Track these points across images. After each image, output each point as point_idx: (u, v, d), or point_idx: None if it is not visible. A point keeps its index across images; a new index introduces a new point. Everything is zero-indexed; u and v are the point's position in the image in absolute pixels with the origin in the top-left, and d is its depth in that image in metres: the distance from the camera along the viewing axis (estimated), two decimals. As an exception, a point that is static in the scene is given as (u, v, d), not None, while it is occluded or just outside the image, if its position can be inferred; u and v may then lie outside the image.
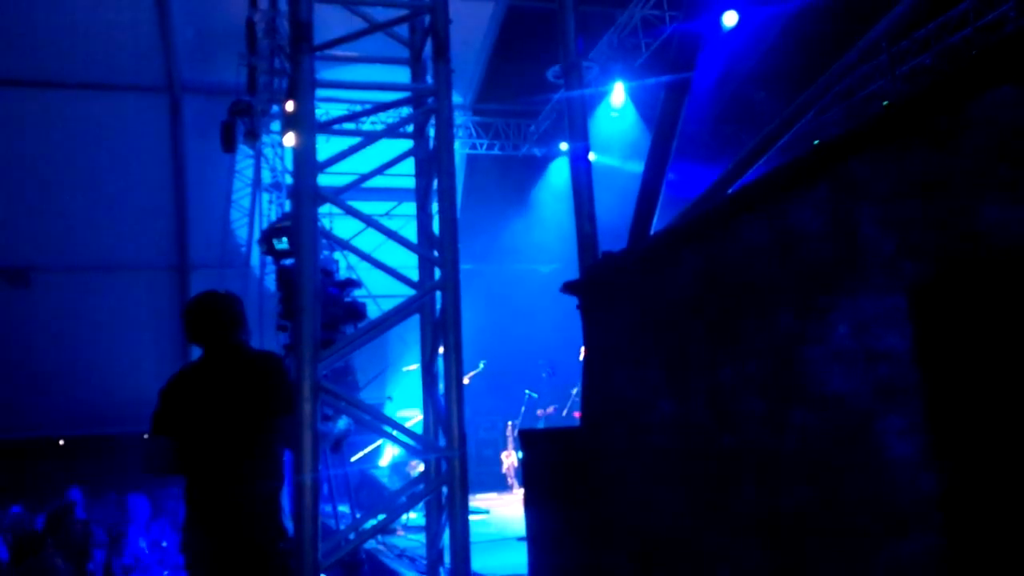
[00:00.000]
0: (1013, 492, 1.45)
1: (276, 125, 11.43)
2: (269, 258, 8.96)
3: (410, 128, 4.02)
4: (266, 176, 12.40)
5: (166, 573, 9.47)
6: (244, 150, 11.51)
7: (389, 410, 11.61)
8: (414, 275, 3.82)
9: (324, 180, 3.42)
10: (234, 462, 3.27)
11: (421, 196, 4.01)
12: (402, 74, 4.27)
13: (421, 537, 5.24)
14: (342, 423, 4.64)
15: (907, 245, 1.68)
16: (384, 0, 3.87)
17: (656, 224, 3.14)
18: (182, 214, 12.54)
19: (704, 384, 2.32)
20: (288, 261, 7.16)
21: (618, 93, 11.18)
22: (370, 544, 5.89)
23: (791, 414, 1.97)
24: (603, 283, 3.08)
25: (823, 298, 1.88)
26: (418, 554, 5.59)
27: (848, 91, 11.05)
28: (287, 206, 11.65)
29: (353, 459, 9.11)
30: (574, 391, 9.51)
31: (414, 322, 3.79)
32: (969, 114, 1.56)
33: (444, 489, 3.39)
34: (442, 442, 3.44)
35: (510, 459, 10.67)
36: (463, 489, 3.29)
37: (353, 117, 4.72)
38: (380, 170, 3.72)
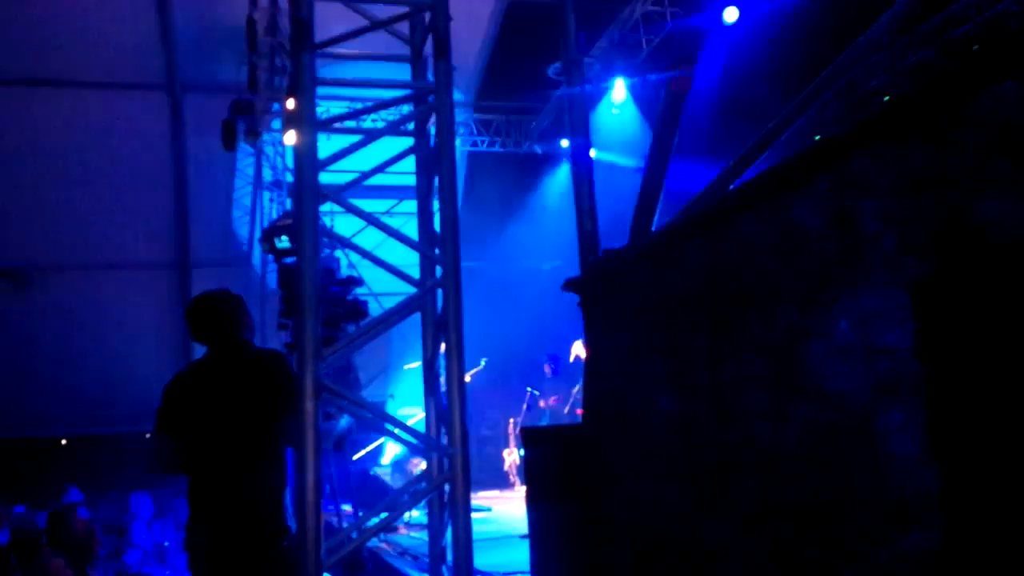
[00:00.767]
0: (1012, 488, 1.45)
1: (277, 123, 11.41)
2: (270, 256, 8.96)
3: (411, 126, 4.02)
4: (267, 174, 12.38)
5: (168, 572, 9.50)
6: (245, 148, 11.50)
7: (390, 408, 11.62)
8: (415, 273, 3.82)
9: (325, 178, 3.42)
10: (237, 461, 3.28)
11: (422, 194, 4.01)
12: (403, 71, 4.27)
13: (423, 535, 5.25)
14: (344, 421, 4.65)
15: (908, 241, 1.68)
16: (384, -3, 3.86)
17: (657, 221, 3.14)
18: (183, 212, 12.54)
19: (706, 380, 2.32)
20: (289, 260, 7.16)
21: (619, 90, 11.15)
22: (373, 542, 5.89)
23: (792, 409, 1.97)
24: (604, 280, 3.08)
25: (824, 294, 1.88)
26: (420, 552, 5.59)
27: (849, 86, 11.03)
28: (288, 204, 11.64)
29: (355, 457, 9.12)
30: (575, 389, 9.50)
31: (415, 320, 3.79)
32: (970, 110, 1.56)
33: (446, 487, 3.39)
34: (444, 440, 3.44)
35: (512, 457, 10.67)
36: (465, 487, 3.29)
37: (354, 115, 4.73)
38: (381, 168, 3.71)
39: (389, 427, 3.64)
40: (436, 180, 3.61)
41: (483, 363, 10.40)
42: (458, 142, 12.14)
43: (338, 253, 7.67)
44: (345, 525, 5.33)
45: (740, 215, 2.20)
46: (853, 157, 1.83)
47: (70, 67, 11.16)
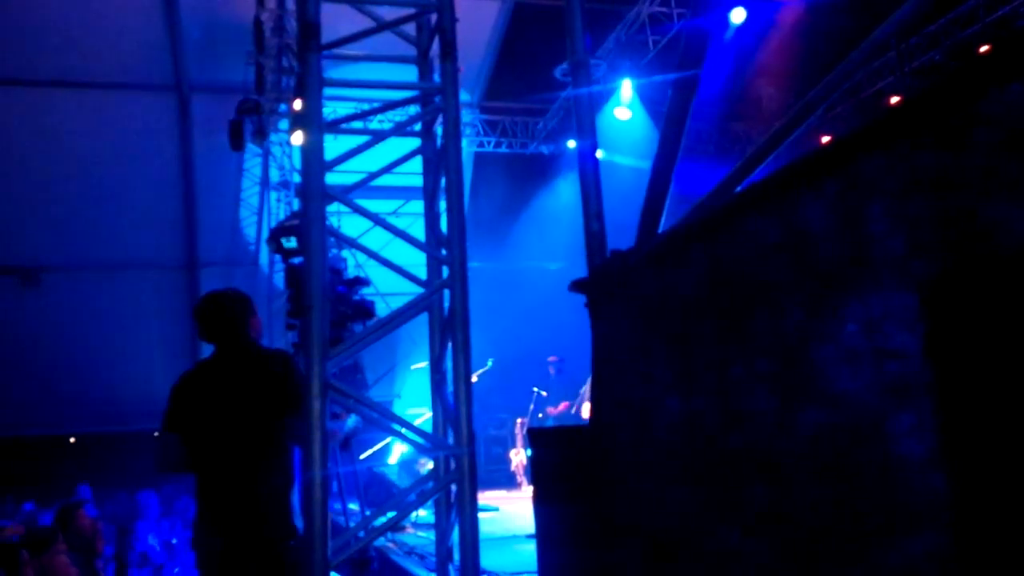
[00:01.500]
0: (1024, 491, 1.44)
1: (284, 124, 11.44)
2: (278, 256, 8.97)
3: (418, 126, 4.03)
4: (274, 175, 12.41)
5: (176, 570, 9.52)
6: (252, 149, 11.54)
7: (397, 408, 11.64)
8: (422, 273, 3.83)
9: (332, 178, 3.43)
10: (244, 460, 3.29)
11: (429, 194, 4.02)
12: (409, 73, 4.28)
13: (430, 535, 5.26)
14: (351, 421, 4.65)
15: (917, 243, 1.67)
16: (391, -1, 3.88)
17: (665, 222, 3.13)
18: (191, 213, 12.58)
19: (713, 382, 2.32)
20: (297, 260, 7.17)
21: (626, 90, 11.15)
22: (379, 541, 5.90)
23: (801, 413, 1.96)
24: (611, 281, 3.07)
25: (833, 296, 1.87)
26: (427, 551, 5.60)
27: (856, 87, 11.00)
28: (295, 204, 11.66)
29: (362, 457, 9.12)
30: (582, 389, 9.50)
31: (422, 320, 3.80)
32: (979, 111, 1.56)
33: (453, 487, 3.40)
34: (451, 440, 3.44)
35: (519, 457, 10.67)
36: (472, 487, 3.29)
37: (361, 116, 4.74)
38: (388, 168, 3.72)
39: (396, 427, 3.65)
40: (443, 180, 3.61)
41: (490, 363, 10.40)
42: (464, 143, 12.15)
43: (345, 253, 7.68)
44: (352, 524, 5.34)
45: (747, 217, 2.20)
46: (861, 158, 1.82)
47: (79, 68, 11.21)
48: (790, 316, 2.01)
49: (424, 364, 4.16)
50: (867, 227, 1.79)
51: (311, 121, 3.41)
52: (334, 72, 4.43)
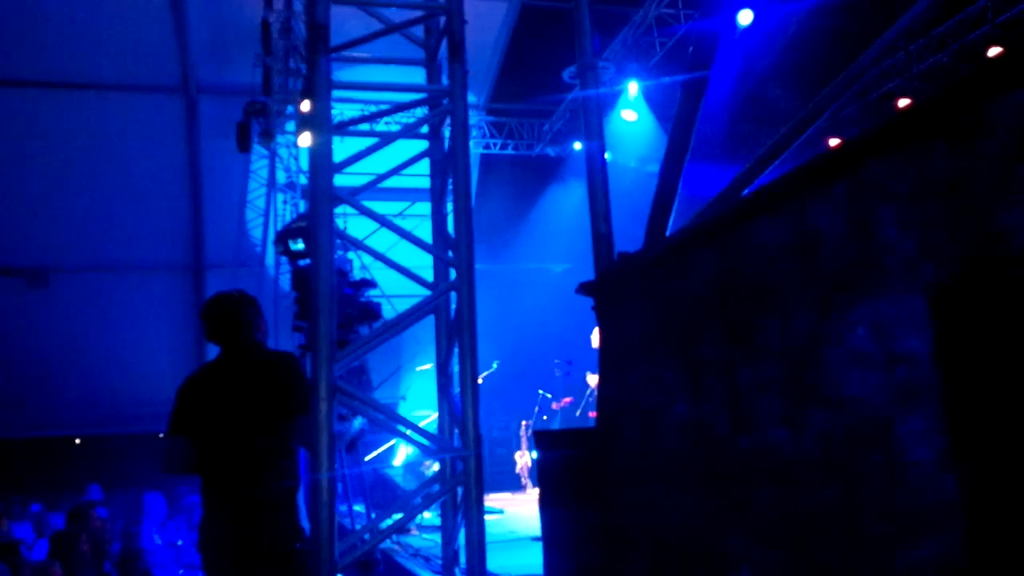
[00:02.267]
0: (1036, 496, 1.44)
1: (291, 125, 11.47)
2: (284, 258, 8.99)
3: (425, 129, 4.03)
4: (281, 176, 12.44)
5: (181, 572, 9.53)
6: (259, 150, 11.57)
7: (402, 410, 11.64)
8: (428, 274, 3.83)
9: (339, 180, 3.43)
10: (250, 462, 3.28)
11: (436, 196, 4.02)
12: (417, 75, 4.28)
13: (436, 537, 5.25)
14: (357, 423, 4.66)
15: (927, 246, 1.66)
16: (399, 1, 3.88)
17: (672, 224, 3.13)
18: (198, 214, 12.62)
19: (721, 386, 2.31)
20: (304, 262, 7.18)
21: (632, 91, 11.14)
22: (385, 543, 5.90)
23: (809, 416, 1.95)
24: (618, 284, 3.07)
25: (842, 300, 1.87)
26: (433, 554, 5.60)
27: (865, 89, 10.99)
28: (302, 206, 11.69)
29: (367, 459, 9.13)
30: (589, 391, 9.50)
31: (428, 322, 3.79)
32: (989, 115, 1.55)
33: (459, 489, 3.40)
34: (457, 442, 3.44)
35: (524, 459, 10.67)
36: (478, 489, 3.29)
37: (369, 118, 4.74)
38: (396, 171, 3.72)
39: (403, 429, 3.65)
40: (450, 182, 3.61)
41: (495, 365, 10.41)
42: (471, 144, 12.14)
43: (351, 255, 7.69)
44: (358, 526, 5.34)
45: (756, 220, 2.19)
46: (871, 162, 1.81)
47: (86, 69, 11.26)
48: (799, 319, 2.01)
49: (429, 366, 4.16)
50: (876, 230, 1.78)
51: (319, 123, 3.41)
52: (342, 74, 4.43)
